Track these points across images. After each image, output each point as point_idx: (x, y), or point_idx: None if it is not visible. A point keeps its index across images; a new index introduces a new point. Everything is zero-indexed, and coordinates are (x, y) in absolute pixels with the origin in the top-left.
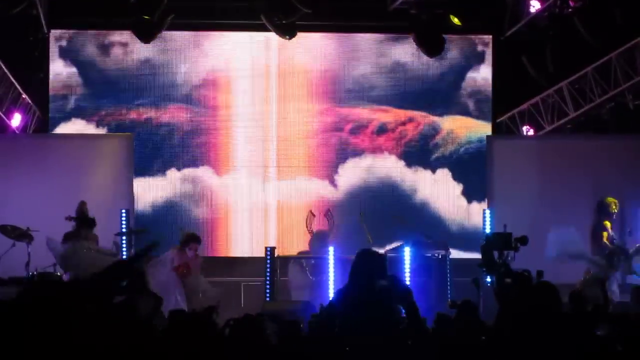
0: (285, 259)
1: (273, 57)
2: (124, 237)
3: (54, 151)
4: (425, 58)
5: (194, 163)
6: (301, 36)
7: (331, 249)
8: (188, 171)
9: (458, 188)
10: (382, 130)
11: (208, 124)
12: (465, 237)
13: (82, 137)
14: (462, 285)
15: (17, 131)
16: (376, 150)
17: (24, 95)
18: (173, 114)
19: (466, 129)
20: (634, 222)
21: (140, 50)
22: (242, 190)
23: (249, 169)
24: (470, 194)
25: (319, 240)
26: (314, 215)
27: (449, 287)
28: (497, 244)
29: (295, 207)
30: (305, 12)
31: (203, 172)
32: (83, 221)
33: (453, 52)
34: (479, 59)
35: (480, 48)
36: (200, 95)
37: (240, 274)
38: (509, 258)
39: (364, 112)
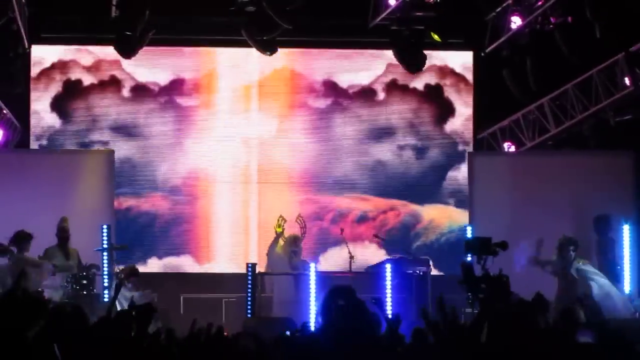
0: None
1: (253, 159)
2: (104, 253)
3: (35, 166)
4: (406, 156)
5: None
6: (282, 132)
7: (313, 266)
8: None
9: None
10: (363, 218)
11: (188, 213)
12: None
13: (64, 152)
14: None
15: None
16: (356, 239)
17: (5, 111)
18: (154, 203)
19: (447, 218)
20: (616, 239)
21: (121, 150)
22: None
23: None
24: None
25: (289, 244)
26: (285, 220)
27: (429, 304)
28: (475, 248)
29: None
30: (286, 27)
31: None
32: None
33: (434, 151)
34: (460, 158)
35: (461, 147)
36: (180, 187)
37: (222, 291)
38: (487, 262)
39: (344, 201)
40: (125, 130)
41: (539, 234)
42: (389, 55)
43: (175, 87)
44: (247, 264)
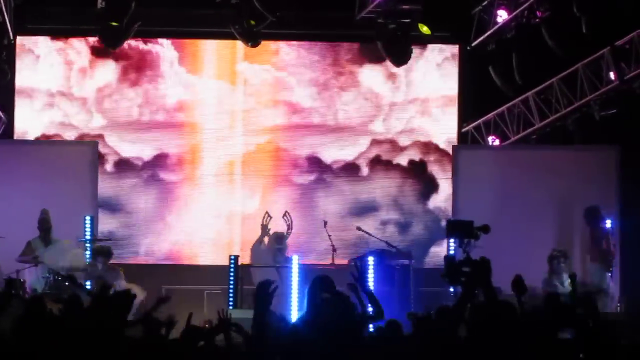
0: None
1: (236, 234)
2: (87, 244)
3: (19, 157)
4: (389, 232)
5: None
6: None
7: (295, 258)
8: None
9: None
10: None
11: None
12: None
13: (47, 143)
14: (425, 295)
15: None
16: None
17: None
18: None
19: None
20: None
21: (104, 222)
22: None
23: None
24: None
25: (274, 240)
26: (270, 217)
27: (411, 297)
28: (458, 231)
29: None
30: (272, 19)
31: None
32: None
33: (417, 227)
34: (443, 234)
35: (444, 223)
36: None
37: (204, 282)
38: (470, 247)
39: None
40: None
41: (522, 228)
42: (374, 130)
43: (159, 162)
44: (230, 256)
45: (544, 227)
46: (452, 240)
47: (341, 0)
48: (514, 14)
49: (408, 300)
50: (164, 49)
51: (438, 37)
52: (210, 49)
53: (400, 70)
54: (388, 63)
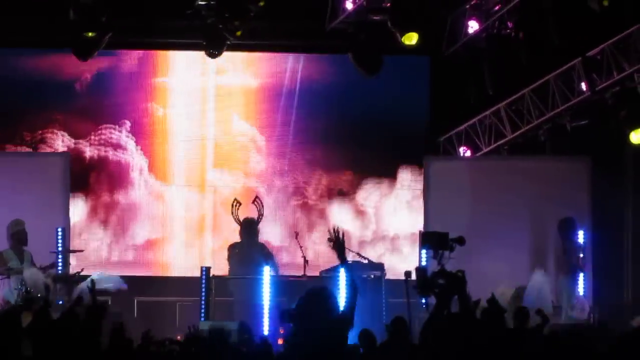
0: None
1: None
2: (60, 256)
3: None
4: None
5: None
6: None
7: (266, 269)
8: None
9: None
10: None
11: None
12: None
13: (17, 154)
14: (397, 307)
15: None
16: None
17: None
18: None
19: None
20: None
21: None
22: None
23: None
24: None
25: (247, 229)
26: (239, 204)
27: (384, 309)
28: (432, 243)
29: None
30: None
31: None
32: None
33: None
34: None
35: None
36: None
37: (176, 294)
38: (444, 259)
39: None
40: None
41: (494, 239)
42: None
43: None
44: (202, 267)
45: (517, 237)
46: (423, 251)
47: (312, 11)
48: (485, 24)
49: (380, 312)
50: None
51: (409, 48)
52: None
53: (370, 208)
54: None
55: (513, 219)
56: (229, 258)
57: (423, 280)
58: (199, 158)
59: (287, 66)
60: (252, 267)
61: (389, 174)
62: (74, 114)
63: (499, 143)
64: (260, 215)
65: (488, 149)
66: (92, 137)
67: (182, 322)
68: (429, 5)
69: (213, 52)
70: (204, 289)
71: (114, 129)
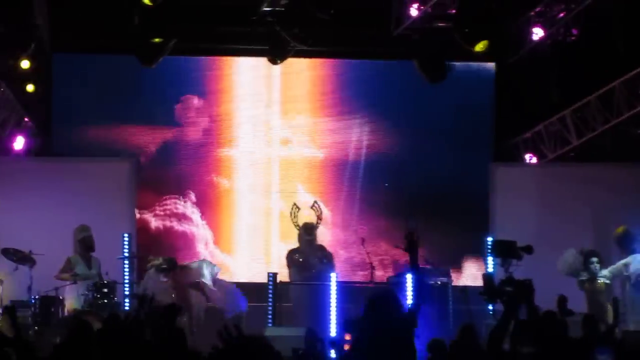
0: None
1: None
2: (125, 262)
3: (57, 174)
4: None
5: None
6: None
7: (333, 276)
8: None
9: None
10: None
11: None
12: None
13: (85, 160)
14: (464, 314)
15: (20, 154)
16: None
17: (26, 118)
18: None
19: None
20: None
21: None
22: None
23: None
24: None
25: (306, 233)
26: (298, 208)
27: (450, 316)
28: (500, 251)
29: None
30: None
31: None
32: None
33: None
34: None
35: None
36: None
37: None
38: (512, 266)
39: None
40: None
41: (559, 246)
42: None
43: None
44: (269, 273)
45: (583, 244)
46: (490, 258)
47: (377, 18)
48: (550, 31)
49: (447, 319)
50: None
51: (474, 55)
52: (244, 228)
53: None
54: None
55: (578, 226)
56: (289, 264)
57: (490, 287)
58: (265, 230)
59: (352, 137)
60: (312, 272)
61: (455, 264)
62: (138, 185)
63: (564, 150)
64: (319, 219)
65: (554, 155)
66: (157, 208)
67: (249, 328)
68: (494, 13)
69: (276, 58)
70: (271, 295)
71: (179, 200)
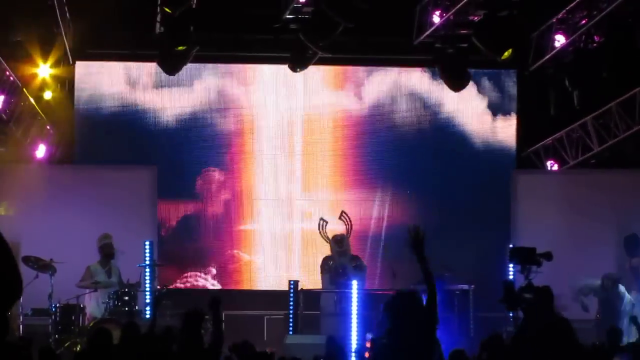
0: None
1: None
2: (147, 269)
3: (78, 182)
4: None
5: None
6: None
7: (354, 283)
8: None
9: (483, 102)
10: None
11: None
12: (491, 156)
13: (106, 168)
14: (484, 320)
15: (42, 162)
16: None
17: (48, 127)
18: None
19: None
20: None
21: None
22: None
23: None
24: (496, 108)
25: (337, 245)
26: (326, 222)
27: (471, 322)
28: (520, 258)
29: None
30: (347, 26)
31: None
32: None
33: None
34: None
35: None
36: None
37: (264, 307)
38: (532, 273)
39: None
40: None
41: (582, 253)
42: None
43: None
44: (290, 281)
45: (604, 250)
46: (511, 265)
47: (400, 26)
48: (572, 38)
49: (468, 326)
50: None
51: (496, 62)
52: None
53: None
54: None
55: (600, 232)
56: (322, 271)
57: (510, 294)
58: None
59: (373, 213)
60: (344, 281)
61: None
62: (159, 259)
63: (586, 156)
64: (349, 230)
65: (575, 162)
66: (178, 283)
67: (270, 335)
68: (518, 21)
69: (297, 66)
70: (292, 303)
71: (200, 274)
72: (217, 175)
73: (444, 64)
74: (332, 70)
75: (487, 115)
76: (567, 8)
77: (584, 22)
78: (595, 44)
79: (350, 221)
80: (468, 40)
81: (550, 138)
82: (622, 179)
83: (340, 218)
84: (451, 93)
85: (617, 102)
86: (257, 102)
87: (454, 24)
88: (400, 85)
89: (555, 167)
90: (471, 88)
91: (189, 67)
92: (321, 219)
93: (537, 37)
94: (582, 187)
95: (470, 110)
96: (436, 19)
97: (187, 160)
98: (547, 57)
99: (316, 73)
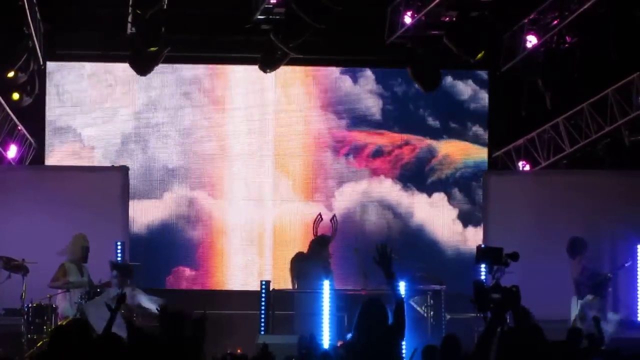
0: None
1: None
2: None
3: (49, 183)
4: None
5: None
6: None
7: (326, 283)
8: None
9: (454, 212)
10: (378, 153)
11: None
12: (461, 262)
13: (77, 169)
14: (457, 321)
15: (12, 162)
16: (372, 174)
17: (19, 127)
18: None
19: (463, 153)
20: (629, 258)
21: None
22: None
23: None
24: (466, 219)
25: (319, 244)
26: (321, 219)
27: (443, 323)
28: (487, 258)
29: (290, 232)
30: (317, 27)
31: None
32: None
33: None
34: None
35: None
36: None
37: (236, 307)
38: (499, 274)
39: (360, 136)
40: None
41: (552, 254)
42: None
43: None
44: (261, 281)
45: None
46: (483, 266)
47: (371, 26)
48: (544, 39)
49: (440, 326)
50: None
51: (467, 63)
52: None
53: None
54: None
55: (572, 232)
56: (292, 271)
57: (480, 294)
58: None
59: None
60: (314, 280)
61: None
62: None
63: (557, 157)
64: (333, 235)
65: (547, 163)
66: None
67: (242, 335)
68: (489, 22)
69: (267, 67)
70: (263, 303)
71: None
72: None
73: (415, 64)
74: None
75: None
76: (539, 9)
77: (555, 22)
78: (566, 45)
79: (336, 229)
80: (440, 41)
81: (521, 139)
82: (593, 180)
83: (331, 221)
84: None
85: (589, 102)
86: None
87: (426, 24)
88: None
89: (527, 168)
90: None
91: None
92: (319, 214)
93: (508, 37)
94: (554, 188)
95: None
96: (408, 19)
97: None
98: (519, 57)
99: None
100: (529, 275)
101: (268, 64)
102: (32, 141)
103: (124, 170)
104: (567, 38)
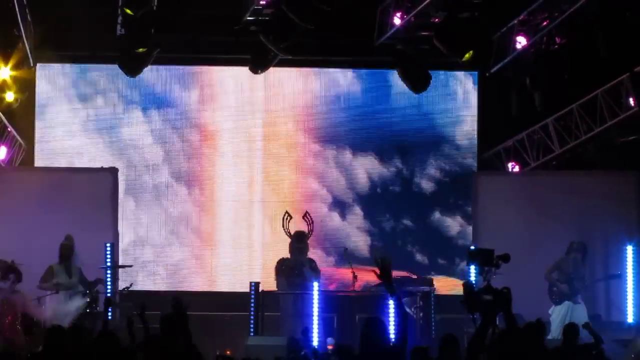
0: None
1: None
2: (108, 271)
3: (39, 184)
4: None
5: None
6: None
7: (315, 285)
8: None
9: None
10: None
11: None
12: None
13: (67, 170)
14: (446, 322)
15: (2, 164)
16: None
17: (9, 128)
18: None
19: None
20: (619, 259)
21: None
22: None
23: None
24: None
25: (298, 241)
26: (290, 217)
27: (433, 324)
28: (478, 259)
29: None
30: (307, 28)
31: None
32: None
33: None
34: None
35: None
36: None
37: (225, 309)
38: (490, 275)
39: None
40: None
41: (542, 255)
42: None
43: None
44: (251, 282)
45: (564, 252)
46: (472, 267)
47: (360, 27)
48: (533, 40)
49: (430, 328)
50: None
51: (457, 64)
52: None
53: None
54: None
55: (561, 233)
56: (277, 273)
57: (470, 295)
58: None
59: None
60: (300, 282)
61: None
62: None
63: (547, 158)
64: (311, 230)
65: (536, 164)
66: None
67: (232, 337)
68: (479, 23)
69: (257, 68)
70: (253, 304)
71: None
72: None
73: (404, 65)
74: None
75: None
76: (528, 10)
77: (545, 23)
78: (556, 46)
79: (312, 222)
80: (429, 41)
81: (511, 140)
82: (583, 181)
83: (303, 218)
84: None
85: (579, 103)
86: None
87: (415, 25)
88: None
89: (517, 169)
90: None
91: None
92: (286, 212)
93: (498, 38)
94: (543, 189)
95: None
96: (397, 20)
97: None
98: (508, 58)
99: None
100: (517, 275)
101: (259, 65)
102: (22, 142)
103: (113, 171)
104: (556, 39)
